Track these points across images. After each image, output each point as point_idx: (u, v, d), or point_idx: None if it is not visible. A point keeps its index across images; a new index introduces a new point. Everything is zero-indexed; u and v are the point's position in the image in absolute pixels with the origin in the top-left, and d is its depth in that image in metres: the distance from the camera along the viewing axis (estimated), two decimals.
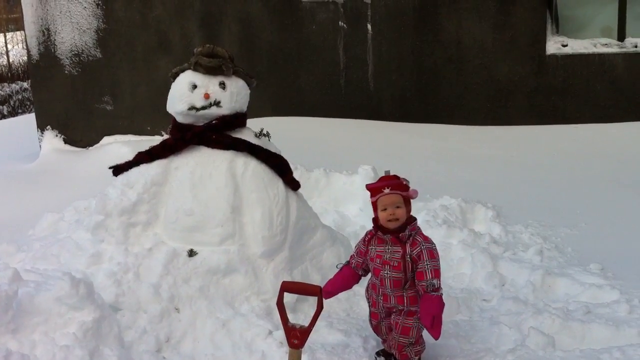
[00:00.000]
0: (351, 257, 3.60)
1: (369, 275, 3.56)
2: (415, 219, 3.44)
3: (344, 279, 3.57)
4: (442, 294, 3.36)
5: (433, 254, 3.36)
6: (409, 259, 3.35)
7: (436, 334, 3.32)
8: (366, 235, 3.52)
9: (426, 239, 3.40)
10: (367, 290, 3.61)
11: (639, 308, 3.95)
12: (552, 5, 8.61)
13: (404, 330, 3.42)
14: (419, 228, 3.45)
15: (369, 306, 3.61)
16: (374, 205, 3.40)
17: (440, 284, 3.34)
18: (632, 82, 8.35)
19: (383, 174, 3.50)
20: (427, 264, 3.31)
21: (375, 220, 3.43)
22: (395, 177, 3.43)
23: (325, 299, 3.44)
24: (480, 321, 4.04)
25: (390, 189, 3.35)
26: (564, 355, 3.53)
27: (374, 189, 3.41)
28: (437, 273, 3.33)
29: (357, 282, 3.63)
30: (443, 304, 3.35)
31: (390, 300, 3.45)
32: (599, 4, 8.75)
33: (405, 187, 3.38)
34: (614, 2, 8.57)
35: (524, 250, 5.01)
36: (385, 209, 3.34)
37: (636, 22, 8.58)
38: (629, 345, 3.51)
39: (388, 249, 3.40)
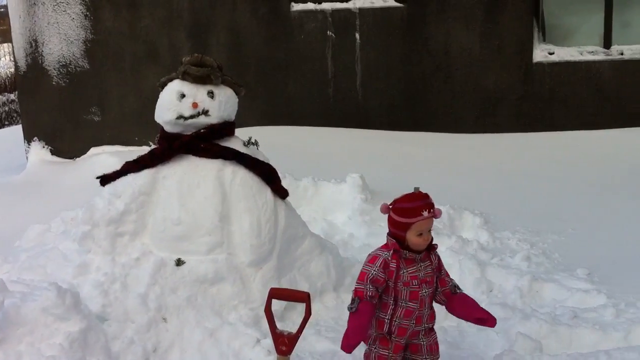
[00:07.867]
0: (360, 291, 3.02)
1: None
2: None
3: (369, 318, 3.04)
4: None
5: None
6: (436, 270, 3.21)
7: (494, 320, 3.15)
8: (382, 261, 3.05)
9: None
10: (388, 322, 3.10)
11: (625, 312, 3.98)
12: (538, 13, 8.68)
13: (437, 347, 3.29)
14: None
15: (391, 339, 3.13)
16: (405, 227, 3.02)
17: None
18: (617, 89, 8.44)
19: (412, 190, 3.11)
20: (444, 268, 3.26)
21: (401, 241, 3.06)
22: (427, 196, 3.06)
23: (349, 353, 3.05)
24: (468, 327, 4.03)
25: (428, 211, 3.00)
26: (551, 359, 3.55)
27: (411, 210, 3.01)
28: None
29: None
30: None
31: (423, 320, 3.15)
32: (585, 12, 8.83)
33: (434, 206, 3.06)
34: (600, 10, 8.65)
35: (511, 257, 5.02)
36: (421, 234, 3.02)
37: (622, 30, 8.67)
38: (615, 348, 3.53)
39: (420, 266, 3.10)
